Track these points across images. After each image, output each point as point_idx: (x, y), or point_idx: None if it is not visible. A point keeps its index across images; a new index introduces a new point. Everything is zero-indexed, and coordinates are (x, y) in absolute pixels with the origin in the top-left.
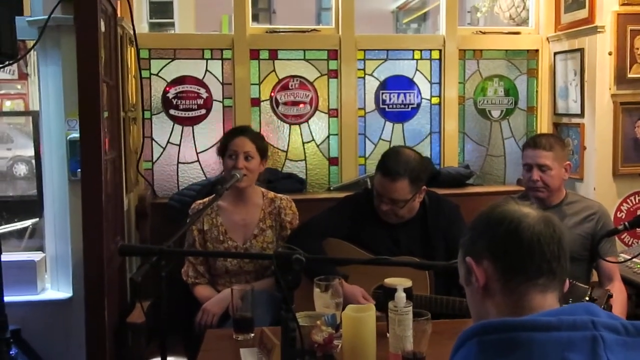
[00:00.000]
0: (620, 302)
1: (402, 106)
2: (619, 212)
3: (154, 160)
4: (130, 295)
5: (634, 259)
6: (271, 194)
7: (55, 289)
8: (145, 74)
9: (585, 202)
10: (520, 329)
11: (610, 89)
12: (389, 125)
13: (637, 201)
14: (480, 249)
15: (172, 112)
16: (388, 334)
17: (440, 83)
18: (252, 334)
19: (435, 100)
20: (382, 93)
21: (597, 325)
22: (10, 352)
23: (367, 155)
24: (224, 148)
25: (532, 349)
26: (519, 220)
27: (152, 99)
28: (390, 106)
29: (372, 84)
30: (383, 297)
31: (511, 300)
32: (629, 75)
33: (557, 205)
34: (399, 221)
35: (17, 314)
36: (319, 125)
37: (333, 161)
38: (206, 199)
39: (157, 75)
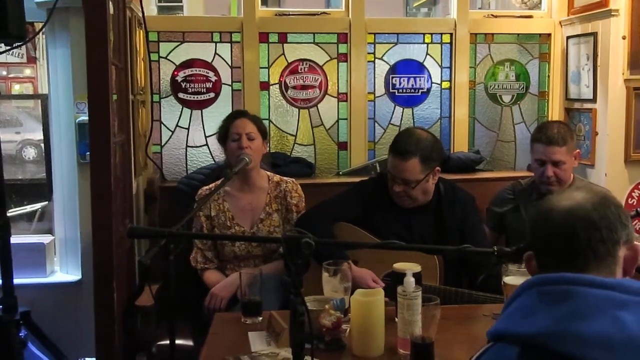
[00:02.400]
0: None
1: (412, 90)
2: (630, 199)
3: (162, 144)
4: (139, 278)
5: None
6: (276, 177)
7: (64, 271)
8: (154, 57)
9: (591, 188)
10: (578, 283)
11: (623, 73)
12: (398, 109)
13: None
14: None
15: (181, 95)
16: (397, 319)
17: (450, 67)
18: (261, 318)
19: (445, 84)
20: (392, 77)
21: None
22: (20, 334)
23: (376, 140)
24: (226, 132)
25: (586, 300)
26: (545, 218)
27: (161, 82)
28: (400, 90)
29: (382, 68)
30: (392, 282)
31: None
32: None
33: None
34: (412, 204)
35: (26, 296)
36: (328, 110)
37: (342, 146)
38: (212, 185)
39: (165, 58)
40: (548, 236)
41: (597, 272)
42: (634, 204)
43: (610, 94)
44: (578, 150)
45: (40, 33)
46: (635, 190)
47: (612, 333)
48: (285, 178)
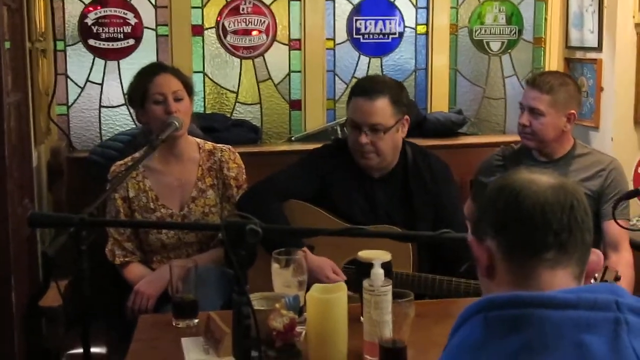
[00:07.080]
0: (627, 277)
1: (381, 36)
2: None
3: (69, 104)
4: (43, 273)
5: None
6: (209, 144)
7: None
8: None
9: (596, 156)
10: (532, 305)
11: (634, 16)
12: (364, 59)
13: None
14: (483, 226)
15: (91, 42)
16: (362, 319)
17: (427, 7)
18: (197, 320)
19: (421, 29)
20: (356, 20)
21: (622, 306)
22: None
23: (337, 98)
24: (144, 93)
25: (544, 328)
26: (520, 189)
27: (67, 25)
28: (366, 36)
29: (343, 9)
30: (356, 273)
31: (517, 279)
32: None
33: (562, 158)
34: (379, 164)
35: None
36: (277, 60)
37: (295, 105)
38: (128, 159)
39: None
40: (538, 211)
41: (570, 265)
42: None
43: (618, 42)
44: (573, 111)
45: None
46: None
47: None
48: (219, 145)
